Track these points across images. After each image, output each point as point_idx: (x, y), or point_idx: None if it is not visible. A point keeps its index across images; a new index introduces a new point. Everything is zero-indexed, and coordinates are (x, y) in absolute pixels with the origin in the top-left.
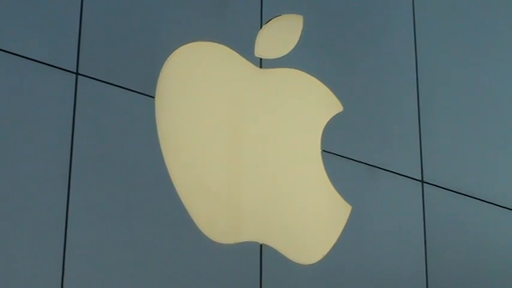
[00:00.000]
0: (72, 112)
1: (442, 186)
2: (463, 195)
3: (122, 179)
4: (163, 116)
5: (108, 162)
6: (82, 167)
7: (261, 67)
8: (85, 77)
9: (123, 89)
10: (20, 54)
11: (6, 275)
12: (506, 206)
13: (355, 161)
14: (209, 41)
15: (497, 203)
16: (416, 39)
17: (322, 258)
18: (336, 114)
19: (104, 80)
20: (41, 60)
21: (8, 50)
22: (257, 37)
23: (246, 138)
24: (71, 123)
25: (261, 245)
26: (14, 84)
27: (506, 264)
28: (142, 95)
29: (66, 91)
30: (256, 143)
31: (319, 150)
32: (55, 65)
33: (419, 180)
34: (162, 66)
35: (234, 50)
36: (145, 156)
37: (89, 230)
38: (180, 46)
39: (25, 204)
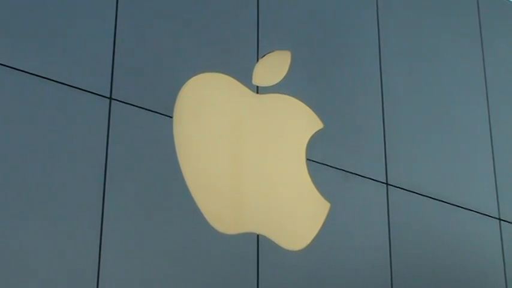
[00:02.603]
0: (106, 133)
1: (405, 188)
2: (425, 197)
3: (148, 183)
4: (179, 132)
5: (137, 170)
6: (116, 174)
7: (257, 93)
8: (118, 101)
9: (149, 111)
10: (61, 81)
11: (48, 265)
12: (467, 207)
13: (332, 167)
14: (216, 71)
15: (458, 205)
16: (382, 62)
17: (307, 246)
18: (318, 130)
19: (133, 104)
20: (77, 86)
21: (46, 77)
22: (254, 68)
23: (246, 149)
24: (105, 142)
25: (257, 235)
26: (57, 109)
27: (468, 264)
28: (164, 116)
29: (100, 114)
30: (254, 152)
31: (304, 159)
32: (91, 91)
33: (384, 183)
34: (178, 92)
35: (235, 79)
36: (165, 165)
37: (122, 224)
38: (193, 76)
39: (64, 220)
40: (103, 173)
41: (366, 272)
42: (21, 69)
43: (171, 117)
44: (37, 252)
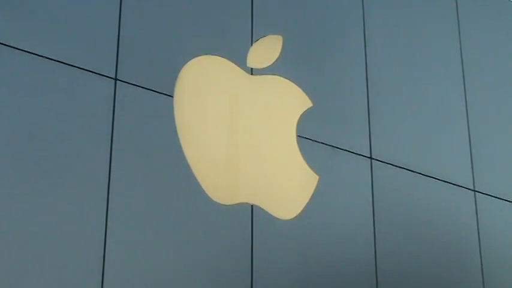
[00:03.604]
0: (112, 113)
1: (387, 161)
2: (405, 169)
3: (151, 159)
4: (179, 110)
5: (141, 147)
6: (122, 152)
7: (252, 74)
8: (123, 82)
9: (153, 91)
10: (68, 62)
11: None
12: (444, 180)
13: (320, 142)
14: (214, 54)
15: (435, 177)
16: (366, 47)
17: (297, 215)
18: (307, 109)
19: (138, 84)
20: (83, 67)
21: (51, 57)
22: (249, 52)
23: (241, 126)
24: (111, 121)
25: (252, 205)
26: (64, 90)
27: (445, 233)
28: (167, 96)
29: (106, 94)
30: (249, 129)
31: (295, 135)
32: (96, 72)
33: (368, 157)
34: (179, 73)
35: (231, 61)
36: (167, 141)
37: (127, 196)
38: (192, 58)
39: (69, 192)
40: (109, 151)
41: (352, 241)
42: (26, 50)
43: (172, 96)
44: (47, 217)
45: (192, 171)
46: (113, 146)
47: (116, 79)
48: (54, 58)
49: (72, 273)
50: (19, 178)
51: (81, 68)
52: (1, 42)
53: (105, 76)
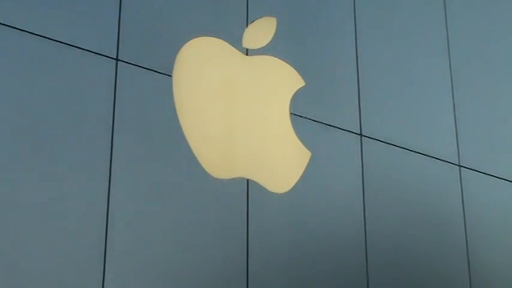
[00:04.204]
0: (113, 93)
1: (377, 138)
2: (396, 147)
3: (152, 137)
4: (178, 89)
5: (142, 125)
6: (123, 131)
7: (247, 54)
8: (124, 62)
9: (154, 72)
10: (70, 43)
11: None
12: (429, 155)
13: (312, 120)
14: (211, 36)
15: (427, 154)
16: (356, 27)
17: (290, 190)
18: (300, 87)
19: (139, 65)
20: (85, 48)
21: (54, 38)
22: (244, 33)
23: (237, 104)
24: (112, 101)
25: (247, 180)
26: (65, 71)
27: (431, 207)
28: (167, 76)
29: (107, 75)
30: (244, 107)
31: (288, 113)
32: (98, 52)
33: (358, 134)
34: (177, 54)
35: (227, 42)
36: (167, 120)
37: (128, 171)
38: (190, 39)
39: (70, 171)
40: (110, 130)
41: (342, 215)
42: (27, 30)
43: (170, 75)
44: (50, 194)
45: (191, 147)
46: (115, 124)
47: (117, 59)
48: (55, 39)
49: (75, 242)
50: (21, 158)
51: (82, 49)
52: (1, 22)
53: (106, 56)
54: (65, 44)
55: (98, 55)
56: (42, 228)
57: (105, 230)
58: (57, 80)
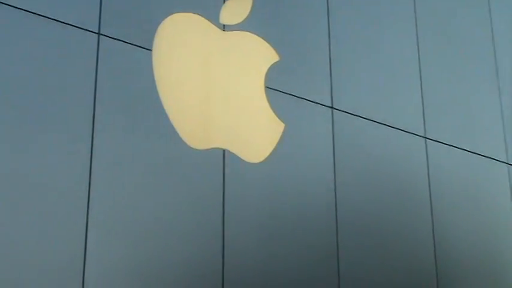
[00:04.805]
0: (95, 66)
1: (347, 111)
2: (365, 119)
3: (133, 109)
4: (157, 63)
5: (124, 100)
6: (105, 104)
7: (224, 30)
8: (106, 37)
9: (135, 46)
10: (52, 17)
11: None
12: (397, 127)
13: (285, 93)
14: (189, 11)
15: (399, 127)
16: (329, 3)
17: (265, 159)
18: (275, 62)
19: (120, 39)
20: (67, 22)
21: (36, 12)
22: (221, 10)
23: (214, 77)
24: (94, 75)
25: (224, 150)
26: (43, 45)
27: (402, 181)
28: (148, 50)
29: (89, 49)
30: (221, 80)
31: (263, 86)
32: (80, 27)
33: (329, 107)
34: (157, 29)
35: (205, 18)
36: (147, 93)
37: (110, 142)
38: (170, 15)
39: (52, 143)
40: (92, 103)
41: (314, 183)
42: (8, 3)
43: (150, 50)
44: (32, 163)
45: (170, 119)
46: (96, 97)
47: (99, 34)
48: (38, 13)
49: (57, 210)
50: (2, 131)
51: (65, 23)
52: None
53: (88, 31)
54: (48, 18)
55: (80, 29)
56: (24, 197)
57: (87, 198)
58: (40, 53)
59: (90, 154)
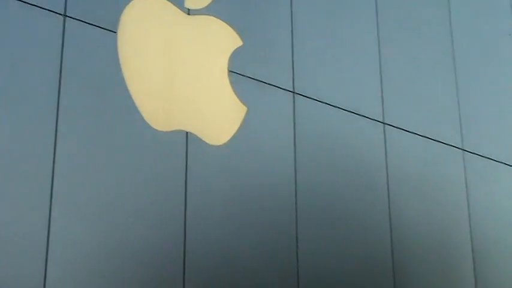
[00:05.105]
0: (60, 48)
1: (308, 96)
2: (326, 104)
3: (98, 91)
4: (122, 45)
5: (88, 80)
6: (70, 84)
7: (188, 14)
8: (71, 18)
9: (99, 28)
10: None
11: None
12: (366, 116)
13: (248, 77)
14: None
15: (358, 113)
16: None
17: (227, 142)
18: (238, 47)
19: (86, 21)
20: (32, 3)
21: None
22: None
23: (178, 60)
24: (60, 56)
25: (187, 132)
26: (8, 25)
27: (364, 166)
28: (113, 32)
29: (55, 30)
30: (185, 63)
31: (226, 70)
32: (45, 8)
33: (291, 91)
34: (122, 11)
35: (170, 2)
36: (112, 75)
37: (76, 122)
38: None
39: (16, 124)
40: (57, 84)
41: (275, 166)
42: None
43: (115, 32)
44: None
45: (134, 101)
46: (62, 78)
47: (65, 15)
48: None
49: (21, 189)
50: None
51: (31, 4)
52: None
53: (54, 12)
54: None
55: (46, 10)
56: None
57: (51, 177)
58: (5, 34)
59: (54, 134)
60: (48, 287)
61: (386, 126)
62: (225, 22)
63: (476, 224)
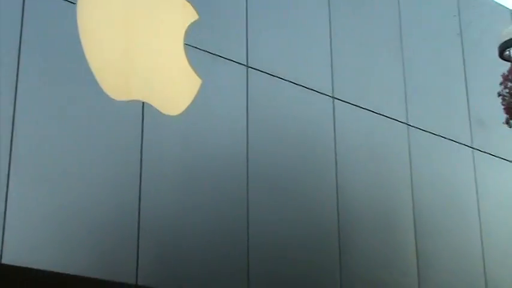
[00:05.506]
0: (20, 19)
1: (262, 70)
2: (278, 78)
3: (57, 60)
4: (81, 17)
5: (48, 51)
6: (30, 54)
7: None
8: None
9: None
10: None
11: None
12: (316, 90)
13: (203, 50)
14: None
15: (309, 87)
16: None
17: (182, 112)
18: (194, 21)
19: None
20: None
21: None
22: None
23: (137, 33)
24: (19, 27)
25: (143, 102)
26: None
27: (314, 138)
28: (71, 3)
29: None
30: (143, 36)
31: (182, 43)
32: None
33: (244, 65)
34: None
35: None
36: (72, 45)
37: (34, 91)
38: None
39: None
40: (17, 54)
41: (228, 139)
42: None
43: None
44: None
45: (92, 70)
46: (21, 48)
47: None
48: None
49: None
50: None
51: None
52: None
53: None
54: None
55: None
56: None
57: (9, 146)
58: None
59: (13, 104)
60: (6, 250)
61: (335, 100)
62: None
63: (419, 195)
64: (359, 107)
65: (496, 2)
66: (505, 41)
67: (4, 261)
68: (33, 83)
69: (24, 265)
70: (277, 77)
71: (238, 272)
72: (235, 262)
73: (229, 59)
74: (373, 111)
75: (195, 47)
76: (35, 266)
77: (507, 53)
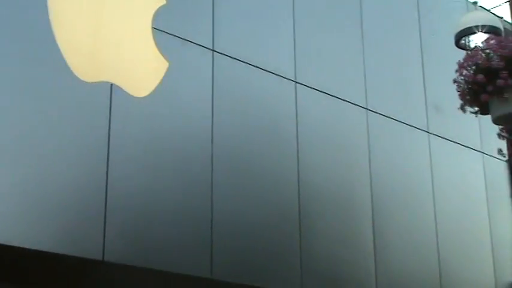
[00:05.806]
0: None
1: (228, 54)
2: (243, 62)
3: (27, 42)
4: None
5: (17, 32)
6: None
7: None
8: None
9: None
10: None
11: None
12: (279, 74)
13: (169, 34)
14: None
15: (272, 71)
16: None
17: (149, 94)
18: (161, 5)
19: None
20: None
21: None
22: None
23: (105, 16)
24: None
25: (111, 84)
26: None
27: (276, 122)
28: None
29: None
30: (112, 19)
31: (150, 27)
32: None
33: (210, 49)
34: None
35: None
36: (41, 26)
37: (4, 69)
38: None
39: None
40: None
41: (193, 122)
42: None
43: None
44: None
45: (61, 51)
46: None
47: None
48: None
49: None
50: None
51: None
52: None
53: None
54: None
55: None
56: None
57: None
58: None
59: None
60: None
61: (297, 84)
62: None
63: (376, 177)
64: (320, 91)
65: None
66: (461, 30)
67: None
68: (2, 62)
69: None
70: (242, 61)
71: (202, 248)
72: (200, 239)
73: (195, 43)
74: (334, 96)
75: (163, 31)
76: (0, 242)
77: (463, 41)
